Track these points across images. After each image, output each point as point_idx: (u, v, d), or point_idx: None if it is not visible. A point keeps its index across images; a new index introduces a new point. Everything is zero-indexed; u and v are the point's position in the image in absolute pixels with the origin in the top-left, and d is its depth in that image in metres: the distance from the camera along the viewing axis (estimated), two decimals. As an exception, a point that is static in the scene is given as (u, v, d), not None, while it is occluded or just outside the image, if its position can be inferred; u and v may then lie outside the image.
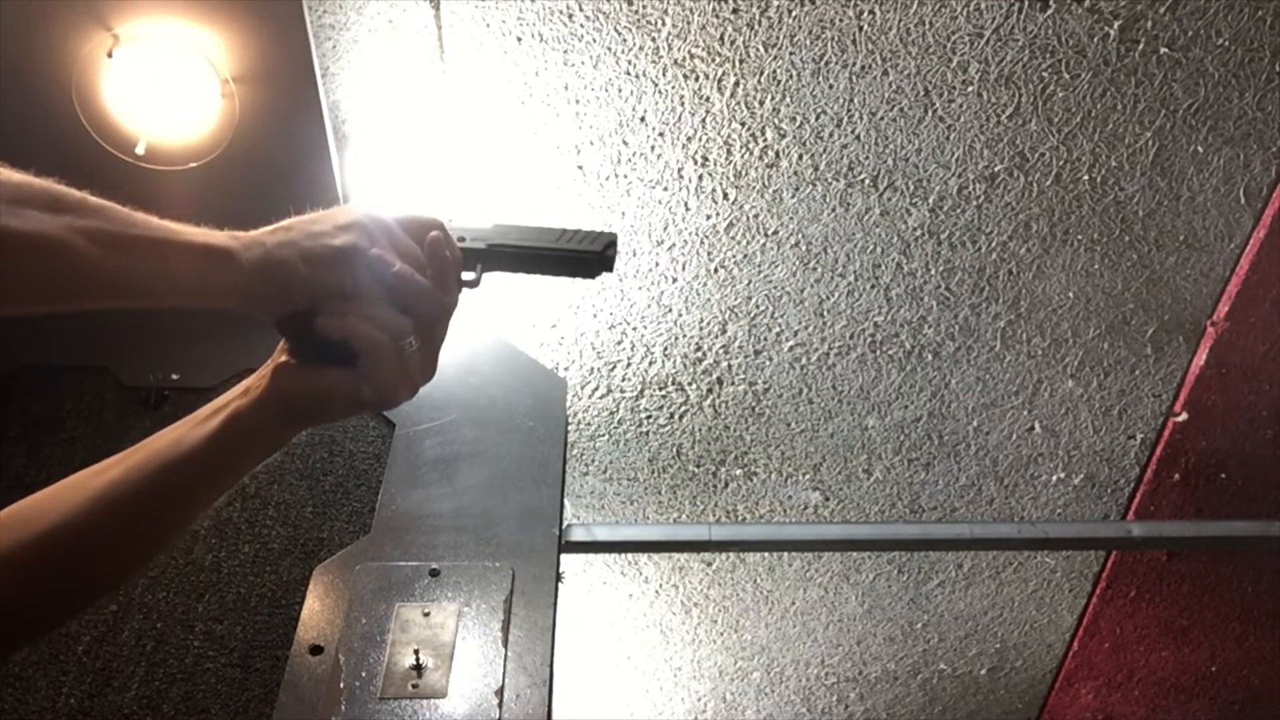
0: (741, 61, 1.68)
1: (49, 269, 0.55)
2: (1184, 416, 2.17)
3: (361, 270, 0.67)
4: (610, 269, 0.79)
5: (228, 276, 0.63)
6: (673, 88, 1.70)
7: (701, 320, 1.99)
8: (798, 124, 1.76)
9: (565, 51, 1.65)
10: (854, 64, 1.69)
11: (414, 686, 1.17)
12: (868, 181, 1.83)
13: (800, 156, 1.79)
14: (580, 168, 1.79)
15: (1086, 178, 1.84)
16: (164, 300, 0.62)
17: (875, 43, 1.67)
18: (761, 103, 1.73)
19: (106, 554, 0.71)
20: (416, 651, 1.19)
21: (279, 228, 0.67)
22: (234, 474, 0.72)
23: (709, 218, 1.86)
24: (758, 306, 1.98)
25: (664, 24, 1.63)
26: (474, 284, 0.77)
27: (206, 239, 0.63)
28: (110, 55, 1.38)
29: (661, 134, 1.75)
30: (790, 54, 1.67)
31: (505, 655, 1.21)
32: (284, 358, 0.71)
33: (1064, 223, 1.90)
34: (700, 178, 1.81)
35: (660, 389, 2.09)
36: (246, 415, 0.70)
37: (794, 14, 1.63)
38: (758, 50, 1.67)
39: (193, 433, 0.70)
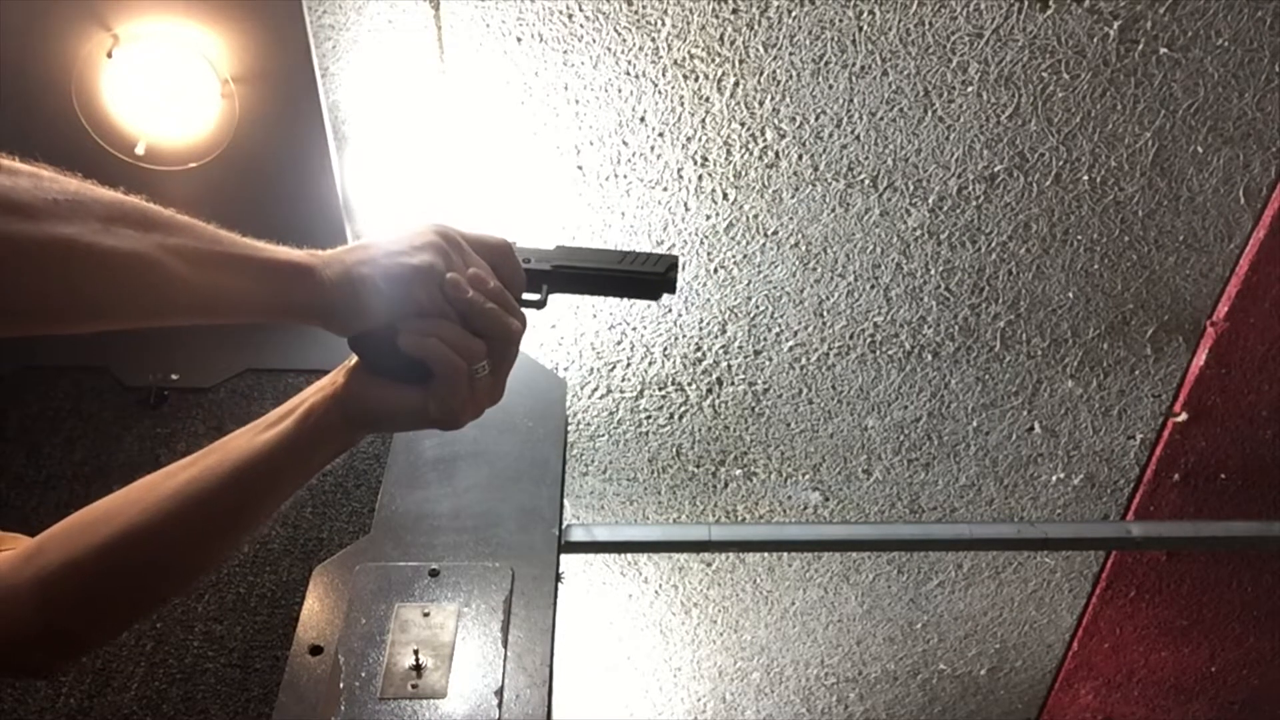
0: (741, 61, 1.68)
1: (141, 287, 0.56)
2: (1184, 416, 2.17)
3: (438, 291, 0.68)
4: (672, 291, 0.80)
5: (309, 293, 0.64)
6: (672, 88, 1.70)
7: (701, 320, 1.99)
8: (797, 124, 1.76)
9: (565, 52, 1.65)
10: (854, 64, 1.69)
11: (414, 687, 1.17)
12: (868, 181, 1.83)
13: (800, 156, 1.79)
14: (580, 168, 1.79)
15: (1086, 178, 1.84)
16: (246, 316, 0.63)
17: (875, 43, 1.67)
18: (761, 103, 1.73)
19: (180, 553, 0.72)
20: (416, 652, 1.19)
21: (357, 246, 0.68)
22: (305, 471, 0.74)
23: (709, 218, 1.86)
24: (757, 306, 1.98)
25: (664, 24, 1.63)
26: (541, 305, 0.79)
27: (288, 256, 0.64)
28: (110, 55, 1.39)
29: (661, 134, 1.75)
30: (790, 54, 1.67)
31: (505, 655, 1.21)
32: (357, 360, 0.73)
33: (1064, 223, 1.90)
34: (700, 178, 1.81)
35: (660, 389, 2.09)
36: (321, 412, 0.71)
37: (794, 14, 1.63)
38: (757, 50, 1.67)
39: (267, 431, 0.72)
